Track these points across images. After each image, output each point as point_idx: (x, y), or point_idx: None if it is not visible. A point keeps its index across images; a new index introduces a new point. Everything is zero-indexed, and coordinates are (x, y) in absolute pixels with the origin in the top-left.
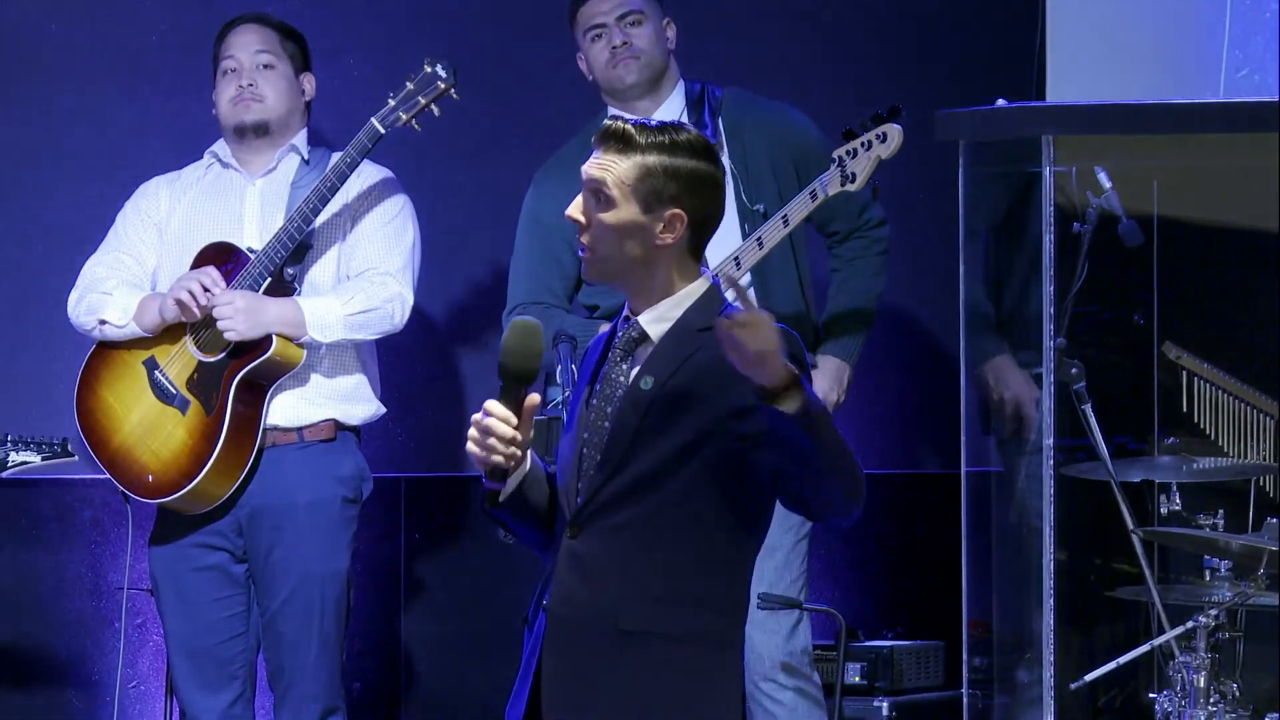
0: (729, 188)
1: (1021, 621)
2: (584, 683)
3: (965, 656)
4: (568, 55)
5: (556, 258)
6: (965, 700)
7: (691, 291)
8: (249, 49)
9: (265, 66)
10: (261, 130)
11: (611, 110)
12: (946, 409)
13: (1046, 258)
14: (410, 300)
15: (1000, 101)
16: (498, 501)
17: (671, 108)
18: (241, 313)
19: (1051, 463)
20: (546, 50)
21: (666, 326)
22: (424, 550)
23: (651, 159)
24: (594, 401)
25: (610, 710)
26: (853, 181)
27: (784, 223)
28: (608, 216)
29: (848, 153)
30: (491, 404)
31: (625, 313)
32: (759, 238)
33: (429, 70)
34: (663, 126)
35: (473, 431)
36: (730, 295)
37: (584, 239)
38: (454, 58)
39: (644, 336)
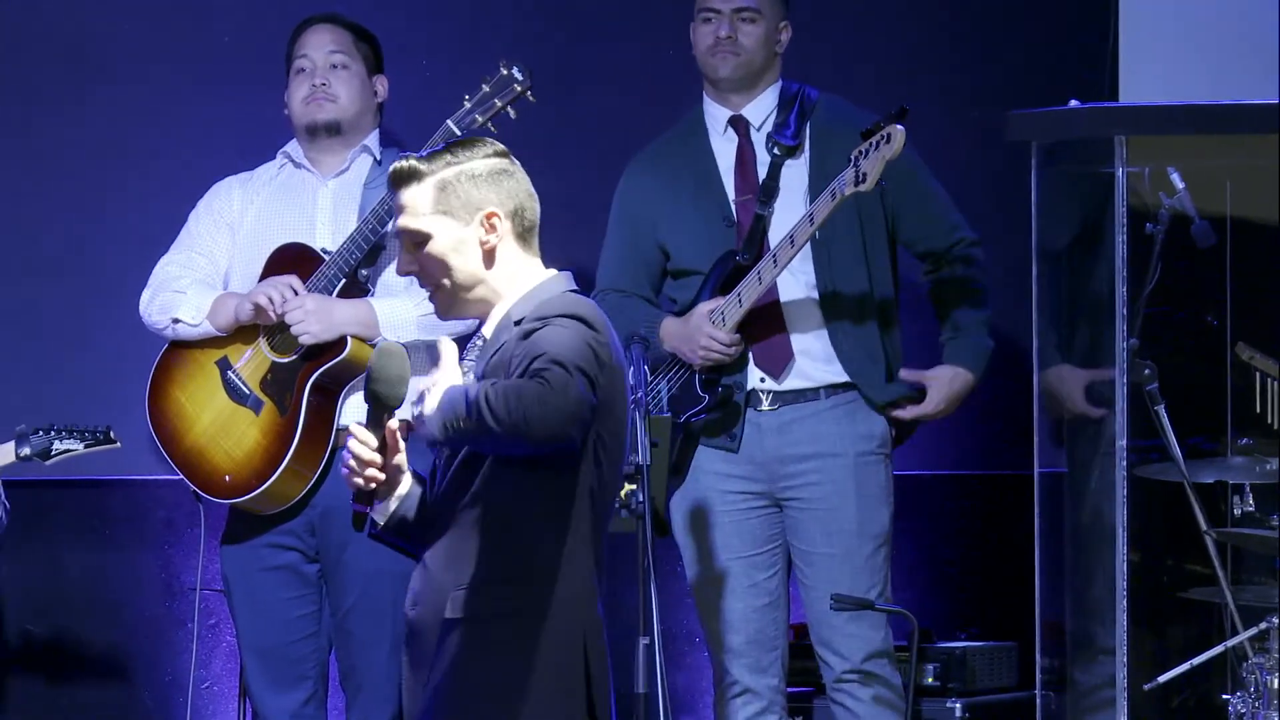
0: (802, 186)
1: (1094, 623)
2: (421, 679)
3: (1038, 657)
4: (634, 55)
5: (642, 248)
6: (1039, 701)
7: (518, 285)
8: (322, 49)
9: (338, 66)
10: (333, 130)
11: (710, 102)
12: (1019, 410)
13: (1119, 259)
14: None
15: (1073, 102)
16: (378, 525)
17: (763, 105)
18: (313, 314)
19: (1124, 464)
20: (614, 50)
21: (496, 323)
22: None
23: (443, 173)
24: None
25: (439, 695)
26: (864, 181)
27: (810, 220)
28: (431, 247)
29: (861, 153)
30: (355, 427)
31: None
32: (791, 235)
33: (505, 72)
34: (443, 145)
35: (344, 455)
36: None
37: (424, 285)
38: (526, 58)
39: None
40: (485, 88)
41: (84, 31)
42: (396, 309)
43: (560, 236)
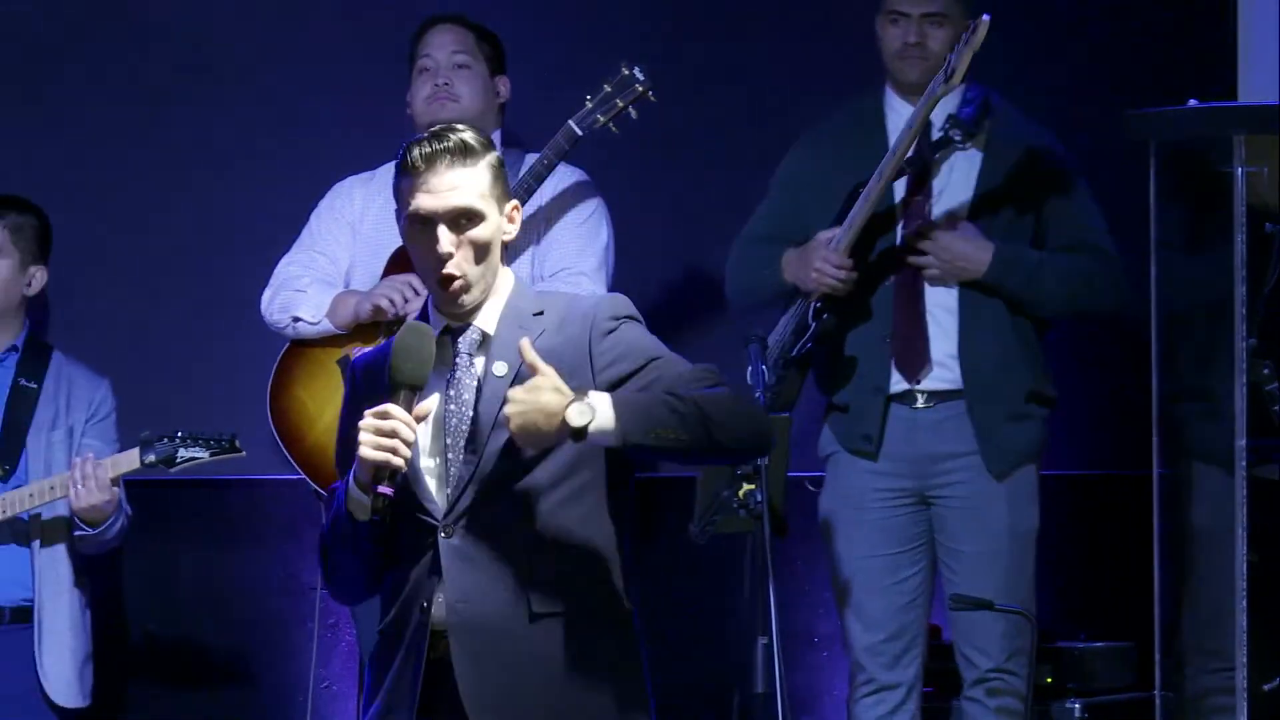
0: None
1: (1213, 623)
2: (505, 672)
3: (1158, 658)
4: (756, 53)
5: (790, 222)
6: (1157, 702)
7: (506, 280)
8: (445, 49)
9: (461, 66)
10: None
11: (892, 95)
12: (1138, 410)
13: (1238, 258)
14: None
15: (1191, 101)
16: (377, 508)
17: (948, 102)
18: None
19: (1244, 464)
20: (733, 48)
21: (497, 317)
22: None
23: (492, 157)
24: (450, 406)
25: (533, 693)
26: (953, 76)
27: (909, 126)
28: (483, 230)
29: (951, 49)
30: (391, 407)
31: (447, 324)
32: (894, 146)
33: (626, 73)
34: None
35: (371, 435)
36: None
37: (458, 270)
38: (646, 58)
39: (484, 335)
40: (607, 88)
41: (206, 34)
42: None
43: (679, 235)
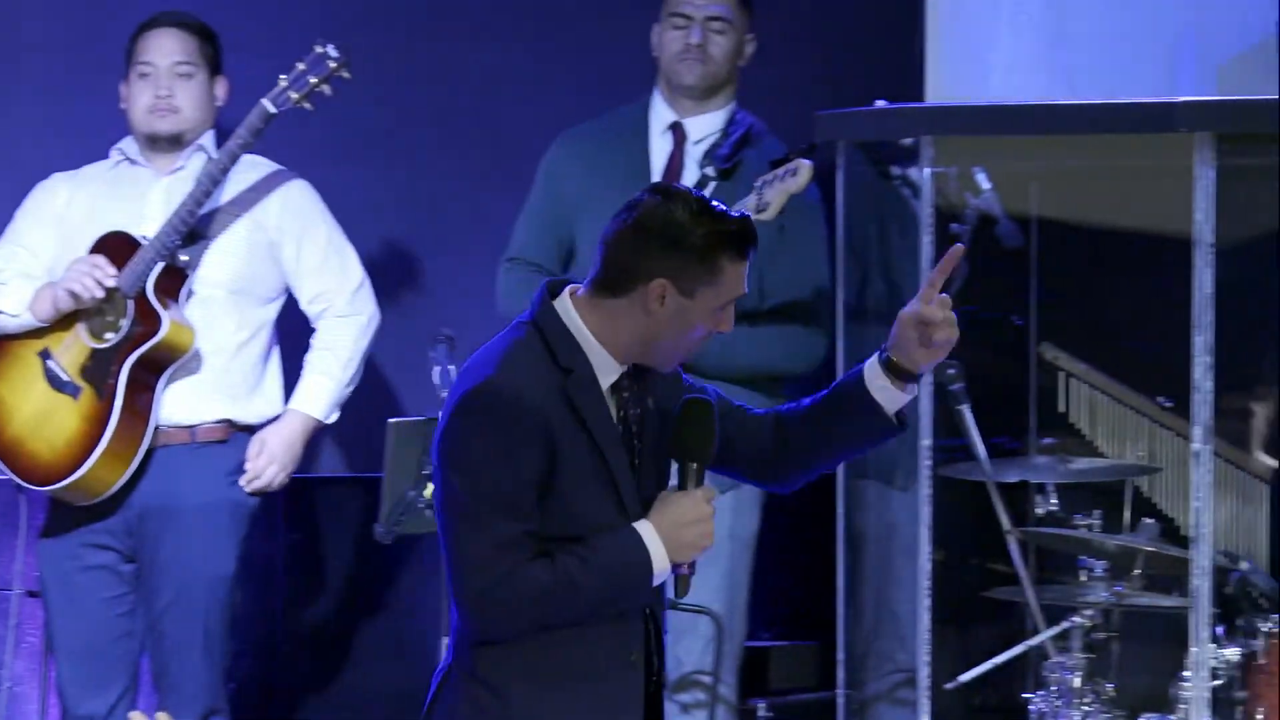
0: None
1: (898, 622)
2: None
3: (840, 657)
4: (461, 51)
5: (557, 226)
6: (840, 701)
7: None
8: (167, 56)
9: (183, 76)
10: (176, 141)
11: (659, 101)
12: None
13: (925, 259)
14: (374, 303)
15: (880, 102)
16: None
17: (710, 122)
18: (279, 460)
19: (929, 463)
20: (443, 48)
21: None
22: (301, 550)
23: None
24: (637, 444)
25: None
26: (765, 210)
27: None
28: None
29: (765, 181)
30: (698, 490)
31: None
32: None
33: (320, 50)
34: None
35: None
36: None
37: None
38: (350, 49)
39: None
40: (300, 66)
41: None
42: (322, 396)
43: (375, 232)
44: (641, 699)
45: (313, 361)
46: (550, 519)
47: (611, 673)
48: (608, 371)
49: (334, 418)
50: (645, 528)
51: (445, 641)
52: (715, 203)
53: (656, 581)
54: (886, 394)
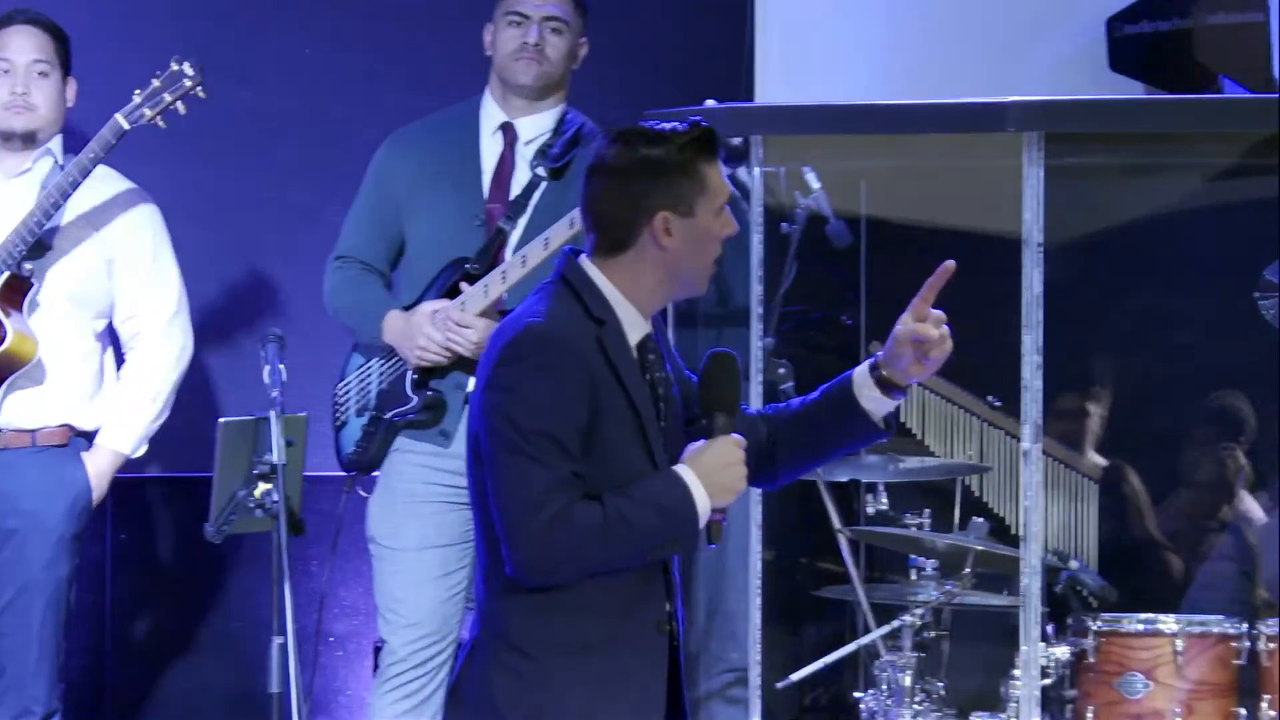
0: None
1: (728, 620)
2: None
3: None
4: (291, 50)
5: (387, 224)
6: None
7: None
8: (26, 54)
9: (41, 75)
10: (30, 139)
11: (489, 101)
12: None
13: (755, 258)
14: (188, 334)
15: (709, 102)
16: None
17: (541, 122)
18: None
19: None
20: (272, 46)
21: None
22: (129, 551)
23: None
24: (661, 406)
25: None
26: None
27: (544, 245)
28: None
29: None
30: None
31: (641, 323)
32: (524, 255)
33: (175, 68)
34: None
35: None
36: None
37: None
38: (201, 56)
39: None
40: (155, 82)
41: None
42: (129, 430)
43: (210, 237)
44: (666, 661)
45: (123, 395)
46: (591, 464)
47: (642, 641)
48: (635, 328)
49: (142, 451)
50: (684, 469)
51: (277, 642)
52: (661, 123)
53: (701, 523)
54: (875, 403)
